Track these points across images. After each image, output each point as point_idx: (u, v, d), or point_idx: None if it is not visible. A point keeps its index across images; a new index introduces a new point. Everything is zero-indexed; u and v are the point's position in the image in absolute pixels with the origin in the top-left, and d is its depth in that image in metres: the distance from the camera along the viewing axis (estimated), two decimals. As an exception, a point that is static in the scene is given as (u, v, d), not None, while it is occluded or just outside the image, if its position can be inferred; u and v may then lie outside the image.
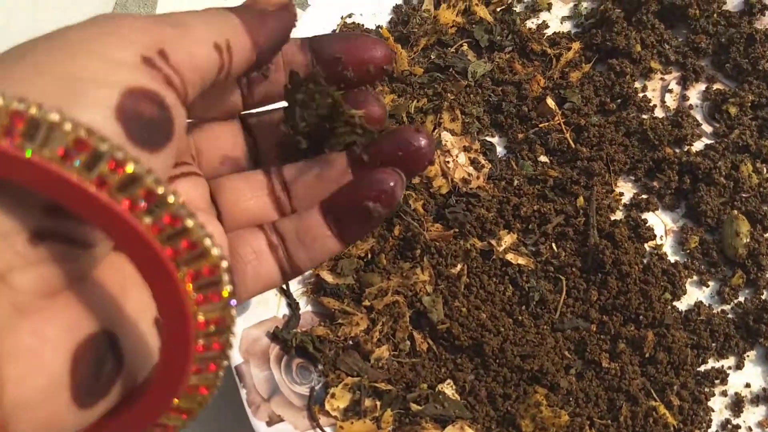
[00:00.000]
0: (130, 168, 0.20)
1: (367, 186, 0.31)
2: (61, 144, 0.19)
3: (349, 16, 0.50)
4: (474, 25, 0.51)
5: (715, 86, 0.49)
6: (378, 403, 0.39)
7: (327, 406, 0.38)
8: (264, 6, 0.29)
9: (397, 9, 0.51)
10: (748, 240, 0.43)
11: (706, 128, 0.48)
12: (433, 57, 0.50)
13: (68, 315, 0.22)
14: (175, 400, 0.23)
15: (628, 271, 0.42)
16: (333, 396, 0.39)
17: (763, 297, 0.43)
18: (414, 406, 0.39)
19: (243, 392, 0.38)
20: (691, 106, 0.49)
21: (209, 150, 0.33)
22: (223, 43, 0.27)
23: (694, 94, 0.49)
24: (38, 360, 0.21)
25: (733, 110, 0.48)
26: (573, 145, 0.46)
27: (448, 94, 0.47)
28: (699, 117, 0.48)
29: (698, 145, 0.47)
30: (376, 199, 0.30)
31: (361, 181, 0.31)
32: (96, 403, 0.23)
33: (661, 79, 0.50)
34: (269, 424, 0.37)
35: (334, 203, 0.32)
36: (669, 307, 0.42)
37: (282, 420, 0.38)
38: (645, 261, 0.44)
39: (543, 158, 0.47)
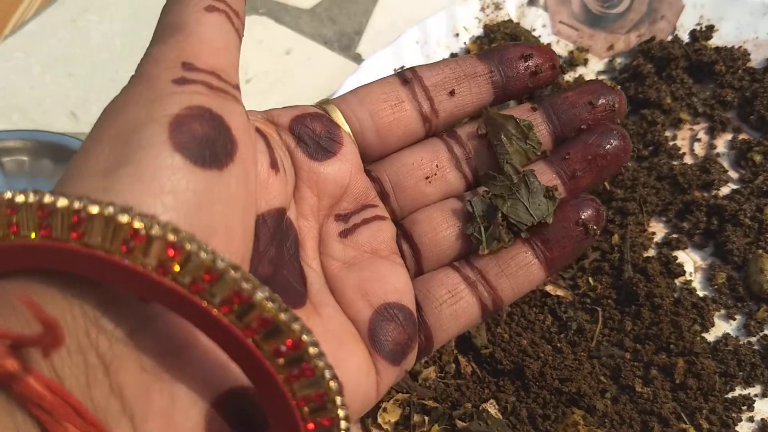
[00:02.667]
0: (217, 265, 0.20)
1: (581, 204, 0.32)
2: (159, 256, 0.20)
3: (401, 67, 0.55)
4: (515, 78, 0.55)
5: (741, 136, 0.53)
6: (426, 418, 0.42)
7: (379, 419, 0.42)
8: None
9: (444, 62, 0.56)
10: (773, 277, 0.46)
11: (733, 174, 0.52)
12: (477, 106, 0.54)
13: (200, 371, 0.22)
14: None
15: (660, 303, 0.45)
16: (385, 410, 0.42)
17: (788, 331, 0.46)
18: (459, 423, 0.42)
19: (304, 404, 0.41)
20: (718, 154, 0.52)
21: (405, 182, 0.33)
22: (212, 2, 0.27)
23: (721, 143, 0.53)
24: (169, 421, 0.21)
25: (757, 158, 0.51)
26: (608, 188, 0.50)
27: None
28: (726, 164, 0.52)
29: (725, 190, 0.51)
30: (590, 219, 0.31)
31: (573, 201, 0.32)
32: None
33: (690, 129, 0.54)
34: None
35: (543, 229, 0.32)
36: (698, 338, 0.45)
37: (339, 430, 0.41)
38: (676, 295, 0.47)
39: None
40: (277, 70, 0.60)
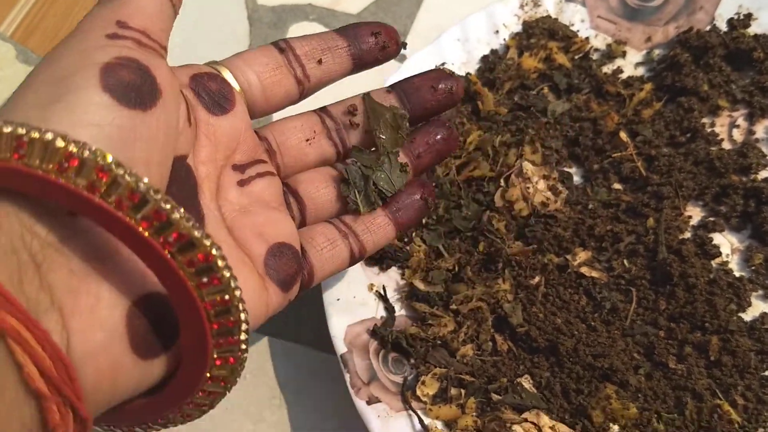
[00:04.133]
0: (140, 187, 0.23)
1: (423, 184, 0.42)
2: (89, 177, 0.23)
3: (443, 64, 0.57)
4: (554, 71, 0.57)
5: (782, 121, 0.53)
6: (462, 392, 0.44)
7: (418, 392, 0.44)
8: None
9: (484, 59, 0.58)
10: (810, 257, 0.46)
11: (773, 159, 0.52)
12: (516, 99, 0.56)
13: (122, 277, 0.25)
14: (207, 374, 0.27)
15: (694, 283, 0.46)
16: (423, 383, 0.44)
17: (828, 311, 0.46)
18: (495, 396, 0.44)
19: (347, 376, 0.44)
20: (757, 140, 0.53)
21: (289, 141, 0.39)
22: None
23: (761, 128, 0.53)
24: (95, 316, 0.24)
25: (798, 142, 0.51)
26: (644, 173, 0.51)
27: (530, 130, 0.53)
28: (765, 149, 0.52)
29: (764, 174, 0.51)
30: (428, 195, 0.41)
31: (418, 181, 0.42)
32: (156, 356, 0.26)
33: (729, 115, 0.54)
34: (368, 403, 0.43)
35: (395, 199, 0.41)
36: (734, 317, 0.46)
37: (379, 401, 0.43)
38: (711, 275, 0.47)
39: (617, 186, 0.52)
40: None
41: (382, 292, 0.49)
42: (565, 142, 0.54)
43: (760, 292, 0.47)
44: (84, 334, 0.24)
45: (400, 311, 0.48)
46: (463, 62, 0.58)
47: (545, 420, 0.42)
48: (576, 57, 0.58)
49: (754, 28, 0.56)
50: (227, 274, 0.25)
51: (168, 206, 0.24)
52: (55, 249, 0.24)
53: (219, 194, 0.35)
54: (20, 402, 0.21)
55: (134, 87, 0.27)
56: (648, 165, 0.52)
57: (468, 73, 0.57)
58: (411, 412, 0.43)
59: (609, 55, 0.58)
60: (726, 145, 0.53)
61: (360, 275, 0.49)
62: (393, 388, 0.45)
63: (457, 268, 0.49)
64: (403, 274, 0.50)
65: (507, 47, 0.58)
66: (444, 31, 0.58)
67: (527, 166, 0.52)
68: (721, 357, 0.44)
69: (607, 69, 0.57)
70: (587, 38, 0.58)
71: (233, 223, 0.35)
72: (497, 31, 0.59)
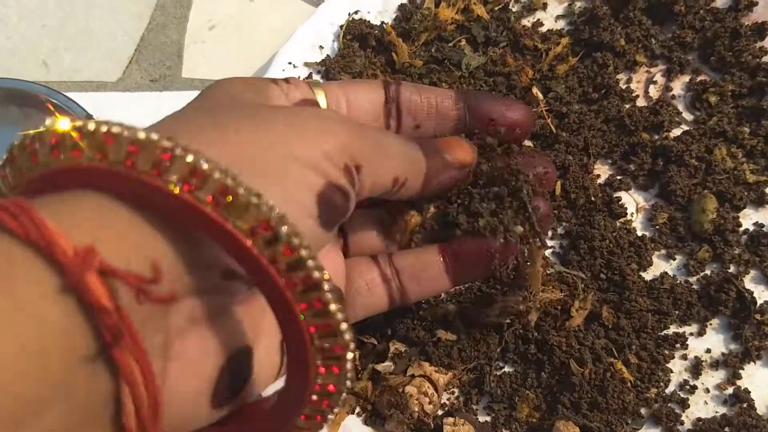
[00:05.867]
0: (300, 253, 0.23)
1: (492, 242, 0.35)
2: (252, 221, 0.23)
3: (356, 12, 0.55)
4: (472, 23, 0.55)
5: (700, 78, 0.52)
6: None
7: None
8: (451, 159, 0.34)
9: (402, 7, 0.56)
10: (714, 216, 0.46)
11: (688, 117, 0.51)
12: (432, 51, 0.54)
13: (227, 330, 0.26)
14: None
15: (599, 245, 0.45)
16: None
17: (729, 271, 0.45)
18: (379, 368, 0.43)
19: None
20: (673, 96, 0.52)
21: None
22: (401, 179, 0.32)
23: (678, 85, 0.52)
24: (195, 364, 0.25)
25: (713, 99, 0.50)
26: (554, 131, 0.50)
27: (443, 84, 0.52)
28: (681, 106, 0.51)
29: (677, 132, 0.50)
30: (498, 253, 0.35)
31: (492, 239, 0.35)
32: (225, 405, 0.27)
33: (647, 71, 0.53)
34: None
35: (460, 246, 0.36)
36: (636, 276, 0.45)
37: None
38: (614, 234, 0.46)
39: (527, 143, 0.51)
40: (240, 15, 0.61)
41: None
42: (479, 97, 0.53)
43: (663, 251, 0.47)
44: (180, 380, 0.24)
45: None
46: (379, 11, 0.56)
47: (428, 368, 0.41)
48: (495, 9, 0.56)
49: (676, -18, 0.54)
50: (349, 352, 0.25)
51: (319, 275, 0.23)
52: (188, 292, 0.24)
53: None
54: None
55: (337, 211, 0.28)
56: (559, 122, 0.51)
57: (383, 23, 0.55)
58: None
59: (529, 7, 0.56)
60: (641, 102, 0.52)
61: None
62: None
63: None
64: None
65: (424, -1, 0.56)
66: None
67: (437, 121, 0.50)
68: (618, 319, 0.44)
69: (527, 22, 0.56)
70: (507, -11, 0.56)
71: None
72: (416, -19, 0.57)
